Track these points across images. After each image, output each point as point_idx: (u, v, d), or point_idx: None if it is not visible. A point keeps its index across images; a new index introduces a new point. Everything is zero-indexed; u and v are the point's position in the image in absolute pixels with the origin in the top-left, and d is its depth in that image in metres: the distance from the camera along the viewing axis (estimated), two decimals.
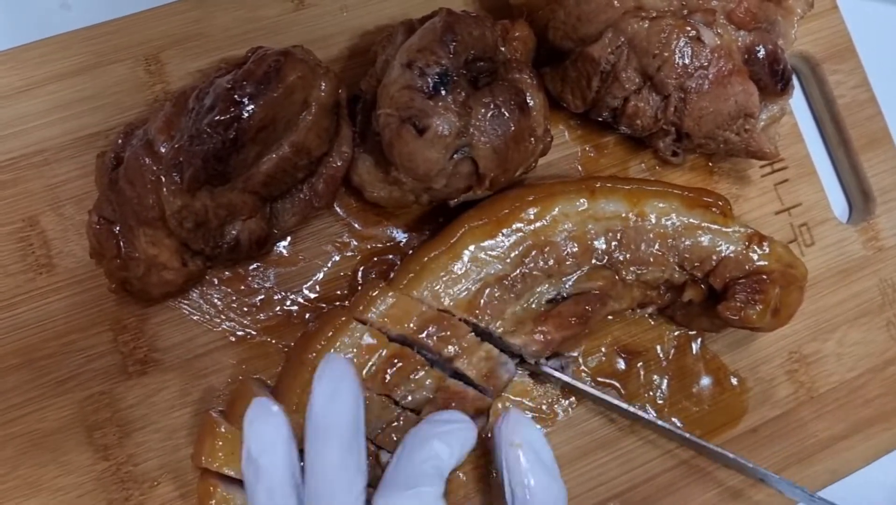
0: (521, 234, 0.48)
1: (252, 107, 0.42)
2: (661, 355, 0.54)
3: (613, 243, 0.49)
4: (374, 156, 0.48)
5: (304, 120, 0.45)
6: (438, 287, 0.47)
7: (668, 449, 0.53)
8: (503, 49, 0.48)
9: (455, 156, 0.45)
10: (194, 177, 0.43)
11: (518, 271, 0.48)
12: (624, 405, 0.51)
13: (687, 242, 0.49)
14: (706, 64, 0.49)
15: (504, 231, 0.48)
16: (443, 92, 0.44)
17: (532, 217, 0.48)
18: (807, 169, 0.59)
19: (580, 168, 0.55)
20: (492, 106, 0.45)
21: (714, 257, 0.49)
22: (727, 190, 0.57)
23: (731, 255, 0.49)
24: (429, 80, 0.44)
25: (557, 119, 0.55)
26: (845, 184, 0.61)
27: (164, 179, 0.43)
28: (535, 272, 0.48)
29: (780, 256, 0.50)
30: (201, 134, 0.42)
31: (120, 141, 0.46)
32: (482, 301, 0.47)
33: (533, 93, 0.48)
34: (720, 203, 0.51)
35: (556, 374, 0.51)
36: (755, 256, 0.49)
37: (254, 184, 0.45)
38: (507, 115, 0.45)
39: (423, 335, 0.46)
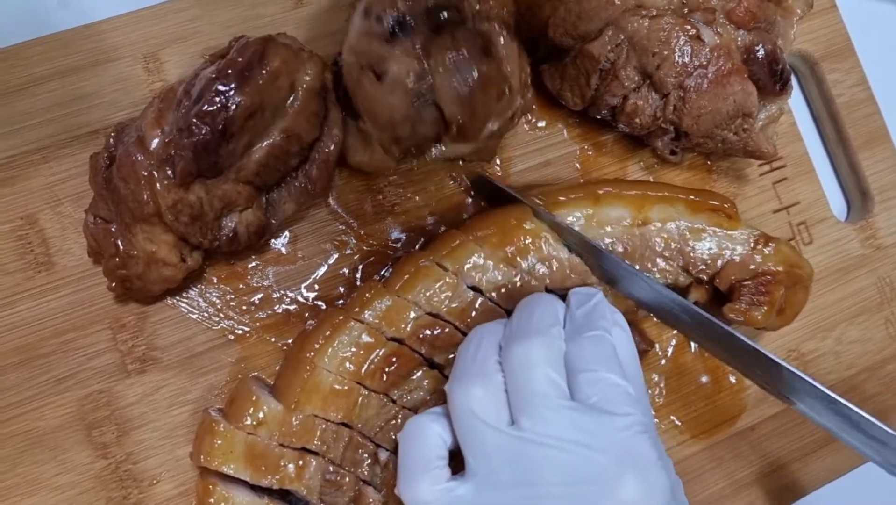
0: (525, 242, 0.47)
1: (238, 95, 0.42)
2: (659, 354, 0.54)
3: (618, 250, 0.49)
4: (353, 120, 0.48)
5: (292, 105, 0.45)
6: (432, 293, 0.46)
7: (668, 446, 0.53)
8: (478, 7, 0.46)
9: (417, 102, 0.44)
10: (186, 169, 0.43)
11: (518, 278, 0.47)
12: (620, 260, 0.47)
13: (692, 247, 0.49)
14: (705, 63, 0.49)
15: (508, 240, 0.47)
16: (401, 37, 0.43)
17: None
18: (805, 168, 0.59)
19: (578, 166, 0.55)
20: (453, 50, 0.44)
21: (720, 261, 0.49)
22: (725, 189, 0.57)
23: (737, 258, 0.49)
24: (386, 25, 0.43)
25: (556, 117, 0.55)
26: (844, 182, 0.61)
27: (156, 175, 0.43)
28: (533, 282, 0.47)
29: (787, 256, 0.49)
30: (190, 126, 0.42)
31: (112, 140, 0.46)
32: (474, 311, 0.46)
33: (503, 41, 0.46)
34: (726, 206, 0.50)
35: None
36: (761, 258, 0.49)
37: (247, 173, 0.45)
38: (468, 58, 0.44)
39: (417, 340, 0.46)
